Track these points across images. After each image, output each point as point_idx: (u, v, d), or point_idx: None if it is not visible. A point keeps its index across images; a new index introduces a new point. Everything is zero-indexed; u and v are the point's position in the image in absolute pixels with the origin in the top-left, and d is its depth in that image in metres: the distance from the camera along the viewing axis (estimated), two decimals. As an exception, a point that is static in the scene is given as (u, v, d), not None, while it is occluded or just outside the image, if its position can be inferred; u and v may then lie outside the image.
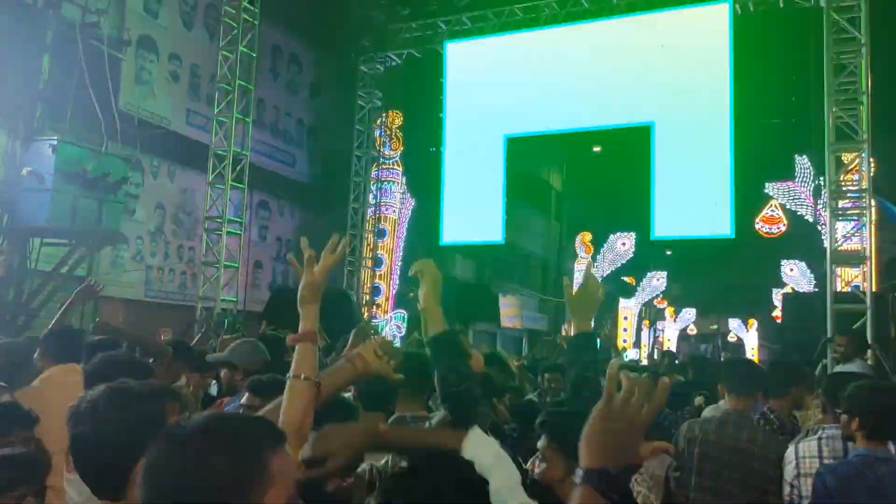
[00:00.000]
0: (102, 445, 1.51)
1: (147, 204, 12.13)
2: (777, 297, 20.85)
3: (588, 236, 23.10)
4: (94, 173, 8.27)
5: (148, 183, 12.10)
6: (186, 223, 12.94)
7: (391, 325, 14.89)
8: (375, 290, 15.58)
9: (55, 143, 8.20)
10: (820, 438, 3.28)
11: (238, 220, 12.15)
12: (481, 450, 1.64)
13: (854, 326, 8.89)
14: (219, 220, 11.85)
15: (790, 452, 3.35)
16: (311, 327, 1.99)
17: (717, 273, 27.50)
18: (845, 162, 10.15)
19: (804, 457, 3.27)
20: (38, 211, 8.25)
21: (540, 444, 2.08)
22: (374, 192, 15.71)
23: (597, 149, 22.15)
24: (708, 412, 4.26)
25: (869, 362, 6.97)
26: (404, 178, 16.06)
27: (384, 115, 15.86)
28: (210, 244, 11.95)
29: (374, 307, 15.37)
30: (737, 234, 12.33)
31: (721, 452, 3.46)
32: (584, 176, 25.62)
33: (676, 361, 9.82)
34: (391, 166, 15.92)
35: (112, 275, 11.18)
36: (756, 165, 15.65)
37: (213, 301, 11.57)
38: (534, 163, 22.85)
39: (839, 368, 6.03)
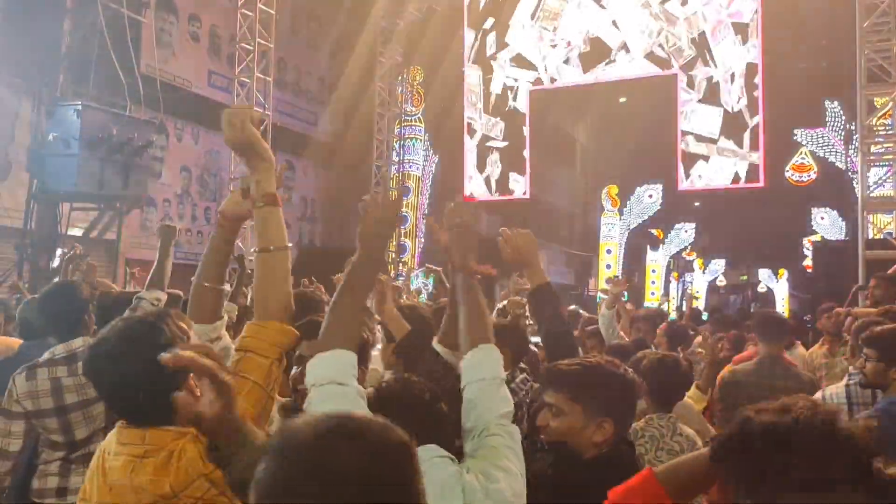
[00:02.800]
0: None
1: (173, 166, 12.20)
2: (808, 246, 20.59)
3: (614, 189, 22.88)
4: (119, 137, 8.32)
5: (173, 145, 12.16)
6: (212, 184, 13.02)
7: (418, 281, 14.93)
8: (401, 248, 15.62)
9: (79, 107, 8.25)
10: (848, 385, 3.24)
11: (263, 180, 12.18)
12: None
13: (889, 272, 8.72)
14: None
15: (817, 397, 3.32)
16: (271, 189, 1.79)
17: (746, 223, 27.13)
18: (878, 106, 9.89)
19: (831, 402, 3.24)
20: (65, 176, 8.33)
21: (548, 398, 2.07)
22: (398, 150, 15.66)
23: (622, 100, 21.81)
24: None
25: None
26: (427, 135, 15.97)
27: (405, 71, 15.71)
28: (236, 205, 12.02)
29: (401, 264, 15.43)
30: (766, 182, 12.13)
31: (759, 391, 4.02)
32: (609, 128, 25.27)
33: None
34: (413, 123, 15.83)
35: (141, 237, 11.34)
36: (786, 112, 15.32)
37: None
38: (558, 116, 22.57)
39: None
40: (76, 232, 9.14)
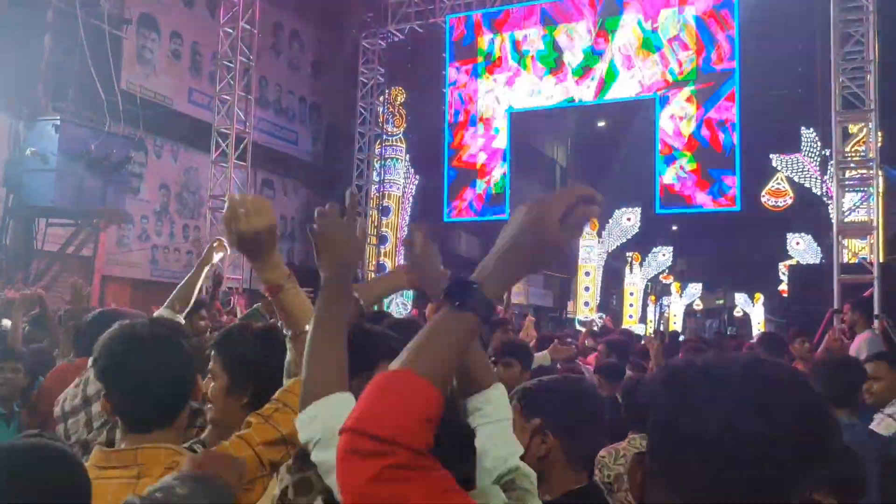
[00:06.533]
0: None
1: (151, 183, 12.11)
2: (783, 270, 20.81)
3: (593, 212, 22.99)
4: (97, 153, 8.26)
5: (151, 162, 12.07)
6: (191, 202, 12.93)
7: (396, 302, 14.90)
8: (380, 268, 15.58)
9: (58, 123, 8.21)
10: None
11: (242, 198, 12.09)
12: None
13: (864, 295, 8.81)
14: (223, 199, 11.80)
15: None
16: (277, 279, 1.78)
17: (722, 247, 27.47)
18: (852, 132, 10.06)
19: None
20: (43, 191, 8.27)
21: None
22: (378, 170, 15.66)
23: (601, 123, 22.05)
24: None
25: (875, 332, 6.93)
26: (408, 155, 16.01)
27: (387, 91, 15.77)
28: (215, 223, 11.94)
29: (380, 284, 15.36)
30: (743, 207, 12.26)
31: None
32: (588, 151, 25.52)
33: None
34: (394, 143, 15.86)
35: (118, 254, 11.22)
36: (762, 138, 15.54)
37: (219, 280, 11.55)
38: (538, 138, 22.75)
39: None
40: (52, 248, 9.03)
